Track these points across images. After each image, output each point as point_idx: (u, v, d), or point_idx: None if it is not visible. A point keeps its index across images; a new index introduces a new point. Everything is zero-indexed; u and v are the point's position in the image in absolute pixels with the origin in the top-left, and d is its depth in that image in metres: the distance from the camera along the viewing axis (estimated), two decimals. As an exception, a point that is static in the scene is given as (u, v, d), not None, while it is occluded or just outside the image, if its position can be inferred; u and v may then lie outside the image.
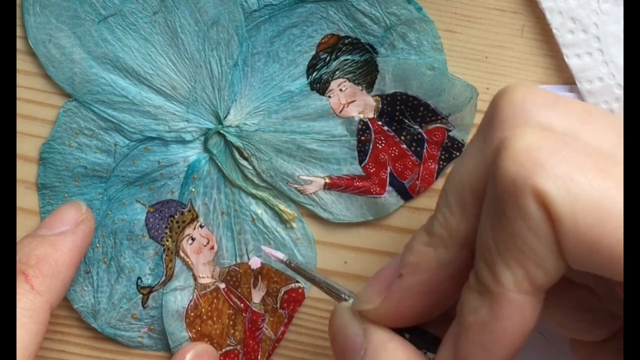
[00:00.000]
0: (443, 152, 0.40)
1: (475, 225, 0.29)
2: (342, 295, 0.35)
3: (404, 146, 0.41)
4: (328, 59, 0.40)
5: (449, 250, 0.30)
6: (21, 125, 0.41)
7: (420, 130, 0.40)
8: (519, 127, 0.28)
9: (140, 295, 0.41)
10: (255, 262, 0.40)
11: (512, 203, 0.27)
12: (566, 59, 0.40)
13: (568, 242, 0.26)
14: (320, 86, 0.41)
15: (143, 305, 0.41)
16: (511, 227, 0.27)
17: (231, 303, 0.41)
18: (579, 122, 0.28)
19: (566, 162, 0.26)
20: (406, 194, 0.41)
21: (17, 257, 0.36)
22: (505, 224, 0.27)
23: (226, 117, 0.41)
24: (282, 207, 0.41)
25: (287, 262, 0.39)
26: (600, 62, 0.39)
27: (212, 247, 0.41)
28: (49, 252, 0.36)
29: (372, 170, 0.41)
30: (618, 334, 0.31)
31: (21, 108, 0.41)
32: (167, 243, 0.41)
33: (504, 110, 0.29)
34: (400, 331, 0.32)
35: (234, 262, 0.41)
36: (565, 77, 0.40)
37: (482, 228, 0.28)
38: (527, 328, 0.28)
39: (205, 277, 0.41)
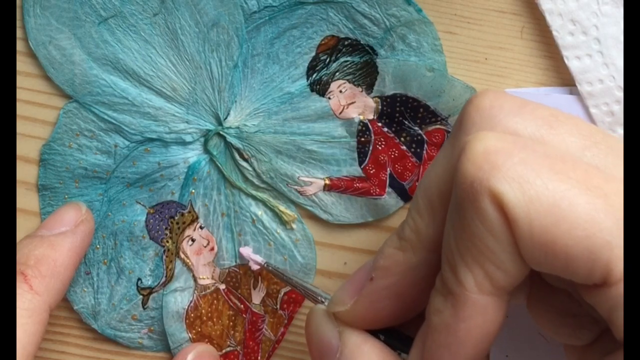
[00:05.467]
0: (443, 154, 0.40)
1: (442, 229, 0.29)
2: (319, 298, 0.35)
3: (404, 147, 0.41)
4: (328, 60, 0.40)
5: (417, 254, 0.31)
6: (21, 127, 0.41)
7: (420, 131, 0.40)
8: (481, 131, 0.28)
9: (141, 297, 0.41)
10: (254, 264, 0.40)
11: (471, 205, 0.27)
12: (566, 61, 0.40)
13: (524, 243, 0.27)
14: (320, 87, 0.41)
15: (143, 306, 0.41)
16: (470, 228, 0.27)
17: (231, 304, 0.41)
18: (545, 127, 0.29)
19: (522, 165, 0.27)
20: (406, 195, 0.41)
21: (17, 258, 0.36)
22: (465, 226, 0.27)
23: (226, 118, 0.41)
24: (282, 208, 0.41)
25: (265, 265, 0.39)
26: (600, 64, 0.39)
27: (212, 249, 0.41)
28: (48, 252, 0.36)
29: (371, 172, 0.41)
30: (601, 337, 0.31)
31: (21, 109, 0.41)
32: (167, 244, 0.41)
33: (471, 116, 0.29)
34: (375, 333, 0.33)
35: (234, 264, 0.41)
36: (565, 79, 0.40)
37: (446, 230, 0.29)
38: (491, 329, 0.28)
39: (205, 278, 0.41)
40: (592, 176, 0.27)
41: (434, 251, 0.30)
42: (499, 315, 0.28)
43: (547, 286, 0.31)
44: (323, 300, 0.35)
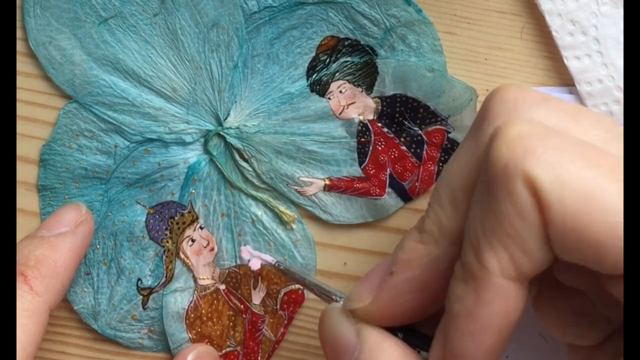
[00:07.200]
0: (443, 154, 0.40)
1: (464, 221, 0.29)
2: (333, 297, 0.35)
3: (404, 148, 0.41)
4: (328, 60, 0.40)
5: (439, 246, 0.31)
6: (21, 127, 0.41)
7: (419, 131, 0.40)
8: (512, 119, 0.28)
9: (141, 297, 0.41)
10: (255, 264, 0.40)
11: (503, 187, 0.27)
12: (565, 61, 0.40)
13: (555, 229, 0.26)
14: (320, 88, 0.41)
15: (143, 307, 0.41)
16: (500, 210, 0.27)
17: (231, 304, 0.41)
18: (569, 119, 0.29)
19: (557, 150, 0.27)
20: (406, 196, 0.41)
21: (17, 258, 0.36)
22: (494, 208, 0.27)
23: (226, 118, 0.41)
24: (282, 208, 0.41)
25: (277, 265, 0.39)
26: (599, 64, 0.39)
27: (212, 249, 0.41)
28: (48, 253, 0.36)
29: (371, 172, 0.41)
30: (612, 337, 0.31)
31: (21, 110, 0.41)
32: (167, 244, 0.41)
33: (495, 108, 0.30)
34: (393, 331, 0.32)
35: (234, 264, 0.41)
36: (565, 79, 0.40)
37: (471, 215, 0.28)
38: (513, 316, 0.28)
39: (205, 278, 0.41)
40: (621, 166, 0.27)
41: (456, 244, 0.30)
42: (520, 303, 0.28)
43: (558, 285, 0.31)
44: (337, 299, 0.35)
